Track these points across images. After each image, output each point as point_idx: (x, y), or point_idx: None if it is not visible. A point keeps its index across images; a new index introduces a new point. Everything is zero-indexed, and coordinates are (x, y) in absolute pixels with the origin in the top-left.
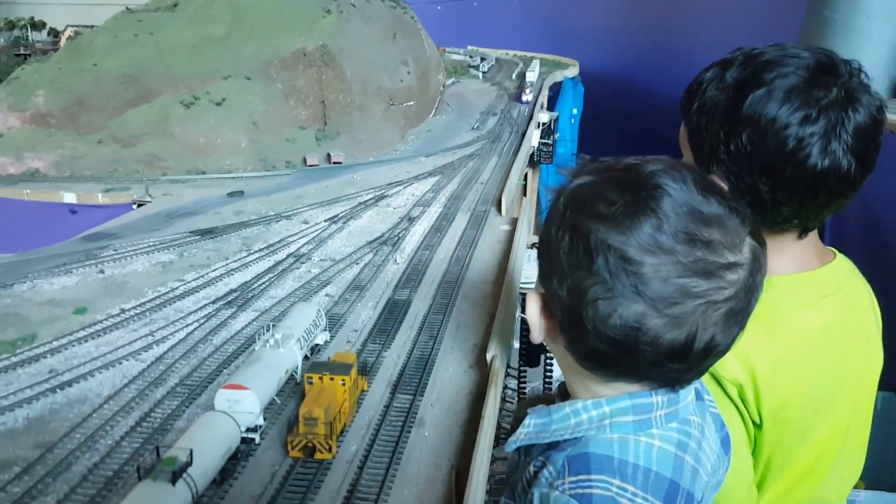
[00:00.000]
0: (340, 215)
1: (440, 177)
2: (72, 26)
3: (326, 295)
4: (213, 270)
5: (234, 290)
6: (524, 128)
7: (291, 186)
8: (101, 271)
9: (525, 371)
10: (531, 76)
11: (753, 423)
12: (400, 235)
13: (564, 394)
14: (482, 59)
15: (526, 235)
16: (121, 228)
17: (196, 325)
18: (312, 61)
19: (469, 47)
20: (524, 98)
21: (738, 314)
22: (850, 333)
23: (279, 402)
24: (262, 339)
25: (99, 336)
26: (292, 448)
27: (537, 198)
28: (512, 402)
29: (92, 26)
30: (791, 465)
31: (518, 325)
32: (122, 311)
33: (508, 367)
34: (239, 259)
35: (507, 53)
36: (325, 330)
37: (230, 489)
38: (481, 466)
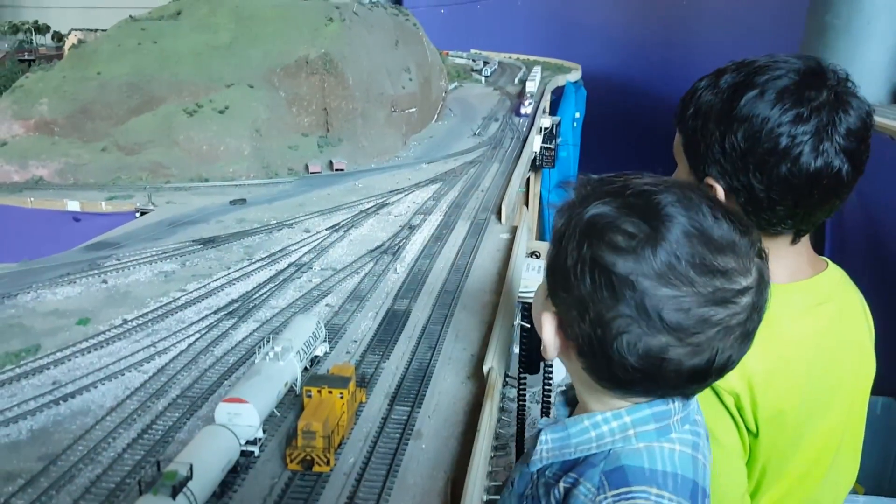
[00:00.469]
0: (342, 223)
1: (441, 184)
2: (76, 30)
3: (327, 305)
4: (215, 280)
5: (236, 301)
6: (526, 133)
7: (294, 194)
8: (105, 281)
9: (525, 378)
10: (531, 86)
11: (749, 431)
12: (400, 244)
13: (573, 402)
14: (485, 63)
15: (525, 245)
16: (124, 237)
17: (197, 335)
18: (315, 69)
19: (472, 51)
20: (523, 111)
21: (750, 333)
22: (842, 341)
23: (279, 414)
24: (262, 352)
25: (102, 347)
26: (291, 461)
27: (539, 202)
28: (511, 410)
29: (96, 30)
30: (786, 472)
31: (517, 332)
32: (125, 321)
33: (507, 375)
34: (240, 268)
35: (510, 57)
36: (324, 342)
37: (230, 502)
38: (477, 478)
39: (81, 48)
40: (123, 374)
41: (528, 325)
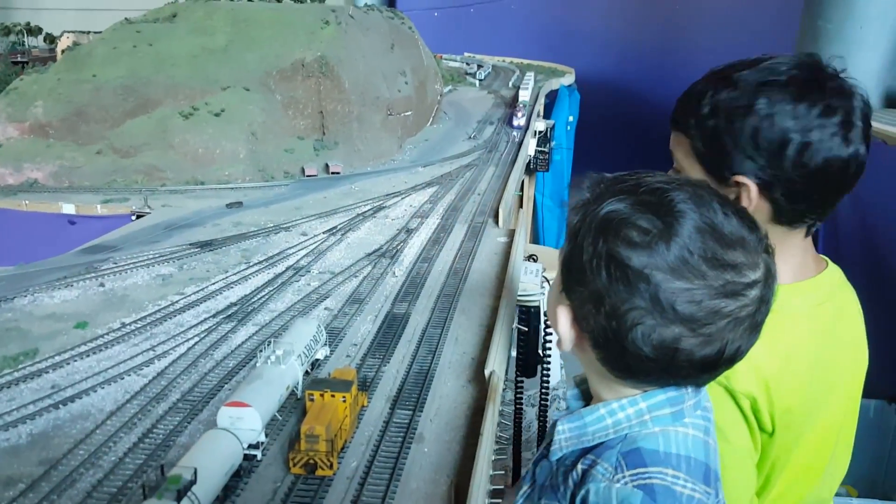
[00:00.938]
0: (339, 227)
1: (438, 187)
2: (68, 32)
3: (325, 308)
4: (213, 283)
5: (234, 304)
6: (521, 136)
7: (290, 197)
8: (102, 284)
9: (522, 381)
10: (524, 94)
11: (763, 430)
12: (398, 248)
13: (588, 396)
14: (479, 67)
15: (523, 248)
16: (120, 240)
17: (197, 339)
18: (311, 72)
19: (465, 54)
20: (516, 122)
21: (758, 325)
22: (840, 339)
23: (280, 418)
24: (263, 356)
25: (100, 351)
26: (294, 465)
27: (533, 205)
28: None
29: (88, 32)
30: (787, 467)
31: (515, 335)
32: (123, 324)
33: (505, 379)
34: (238, 272)
35: (503, 60)
36: (325, 345)
37: None
38: (481, 482)
39: (76, 50)
40: (123, 378)
41: (525, 329)
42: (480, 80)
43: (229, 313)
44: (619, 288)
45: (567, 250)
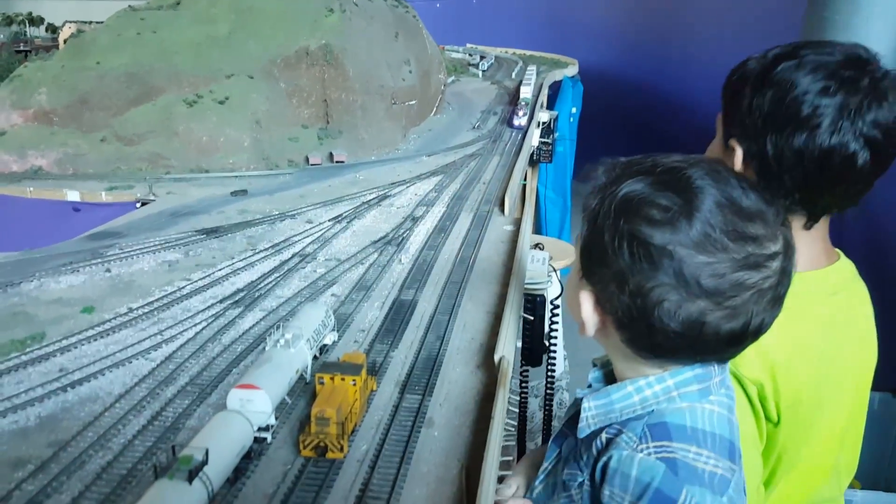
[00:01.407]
0: (344, 215)
1: (443, 176)
2: (70, 22)
3: (332, 295)
4: (219, 270)
5: (241, 290)
6: (525, 126)
7: (294, 185)
8: (108, 270)
9: (527, 370)
10: (526, 91)
11: (769, 419)
12: (404, 235)
13: (611, 379)
14: (482, 58)
15: (529, 236)
16: (126, 227)
17: (204, 324)
18: (315, 60)
19: (468, 45)
20: (517, 122)
21: (780, 297)
22: (850, 331)
23: (290, 401)
24: (272, 340)
25: (108, 335)
26: (304, 447)
27: (536, 197)
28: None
29: (90, 22)
30: (798, 463)
31: (521, 324)
32: (130, 309)
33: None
34: (244, 258)
35: (506, 51)
36: (333, 330)
37: (243, 488)
38: (492, 466)
39: (80, 38)
40: (131, 362)
41: (531, 318)
42: (483, 71)
43: (236, 299)
44: (643, 266)
45: (586, 234)
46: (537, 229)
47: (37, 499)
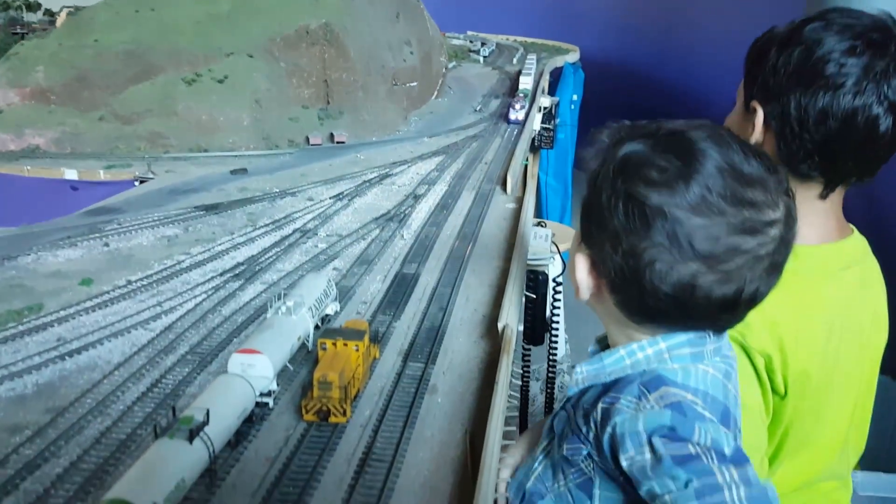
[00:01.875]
0: (345, 193)
1: (444, 157)
2: (67, 7)
3: (334, 269)
4: (219, 245)
5: (241, 264)
6: (527, 108)
7: (295, 165)
8: (107, 244)
9: (529, 350)
10: (526, 82)
11: (776, 392)
12: (406, 212)
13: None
14: (482, 44)
15: (532, 212)
16: (124, 203)
17: (204, 296)
18: (315, 39)
19: (469, 32)
20: (513, 116)
21: (777, 266)
22: (864, 308)
23: (291, 368)
24: (274, 307)
25: (106, 306)
26: (307, 412)
27: (537, 183)
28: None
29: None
30: (808, 440)
31: (523, 300)
32: (129, 282)
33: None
34: (244, 234)
35: (507, 39)
36: (335, 300)
37: (245, 451)
38: (496, 430)
39: (78, 16)
40: (129, 332)
41: (533, 296)
42: (485, 57)
43: (236, 272)
44: (637, 226)
45: (586, 196)
46: (538, 216)
47: (34, 462)
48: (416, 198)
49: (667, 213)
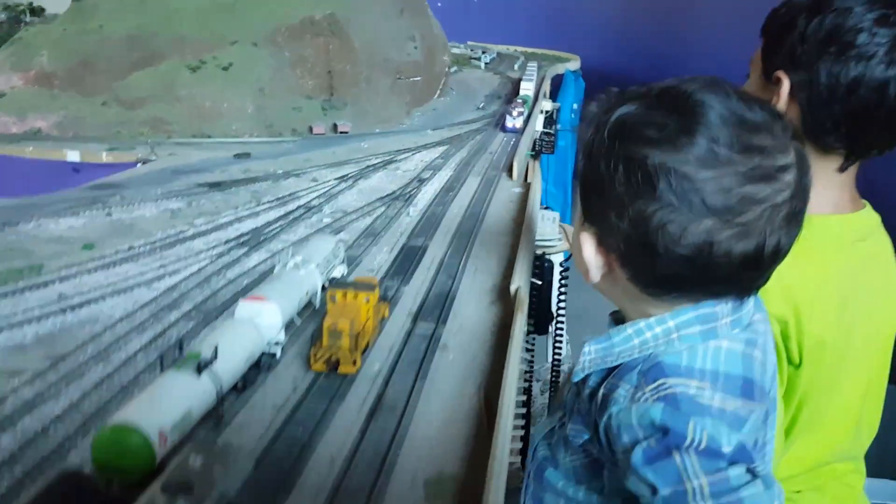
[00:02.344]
0: (350, 175)
1: (449, 146)
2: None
3: (340, 240)
4: (223, 217)
5: (246, 234)
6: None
7: (298, 152)
8: (109, 214)
9: (532, 346)
10: (527, 87)
11: (791, 362)
12: (412, 193)
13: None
14: (483, 52)
15: (539, 196)
16: (127, 181)
17: (208, 261)
18: (320, 30)
19: (469, 43)
20: (510, 124)
21: (797, 214)
22: (875, 282)
23: (299, 323)
24: (281, 262)
25: (108, 268)
26: (315, 361)
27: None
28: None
29: None
30: (822, 414)
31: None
32: (132, 247)
33: None
34: (249, 209)
35: (507, 48)
36: (343, 263)
37: (252, 397)
38: (512, 383)
39: (82, 2)
40: (132, 291)
41: (539, 283)
42: (486, 64)
43: (241, 241)
44: (642, 189)
45: (582, 169)
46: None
47: (33, 402)
48: (422, 181)
49: (672, 170)
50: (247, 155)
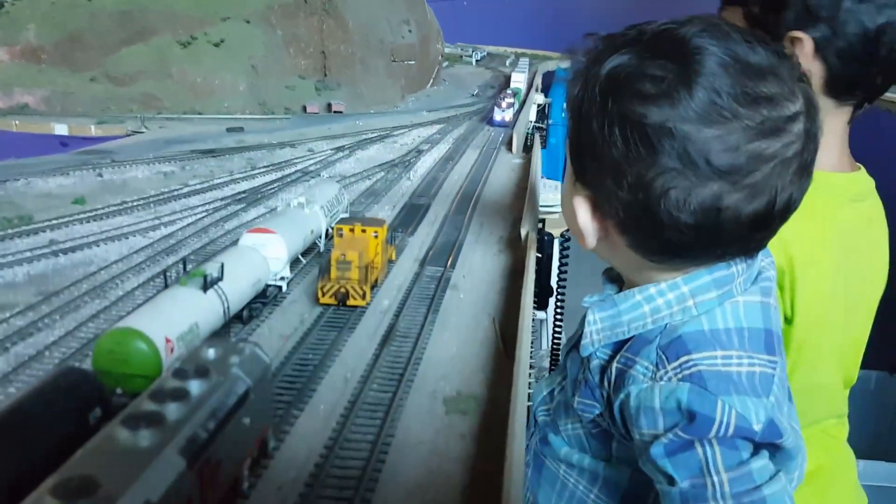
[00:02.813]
0: (346, 146)
1: (446, 124)
2: None
3: (343, 189)
4: (218, 179)
5: (243, 193)
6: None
7: (292, 128)
8: (100, 175)
9: (534, 334)
10: (518, 79)
11: (785, 318)
12: (411, 161)
13: (618, 279)
14: (474, 50)
15: (540, 166)
16: (118, 148)
17: (205, 214)
18: (314, 9)
19: (458, 43)
20: (498, 116)
21: (807, 166)
22: (869, 245)
23: (304, 262)
24: (286, 202)
25: (101, 219)
26: (323, 295)
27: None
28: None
29: None
30: (813, 379)
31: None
32: (124, 202)
33: None
34: (244, 173)
35: (497, 49)
36: (346, 211)
37: (258, 328)
38: (528, 313)
39: None
40: (127, 238)
41: (539, 256)
42: (477, 61)
43: (238, 199)
44: (641, 152)
45: (572, 128)
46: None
47: (26, 331)
48: (420, 153)
49: (672, 129)
50: (240, 129)
